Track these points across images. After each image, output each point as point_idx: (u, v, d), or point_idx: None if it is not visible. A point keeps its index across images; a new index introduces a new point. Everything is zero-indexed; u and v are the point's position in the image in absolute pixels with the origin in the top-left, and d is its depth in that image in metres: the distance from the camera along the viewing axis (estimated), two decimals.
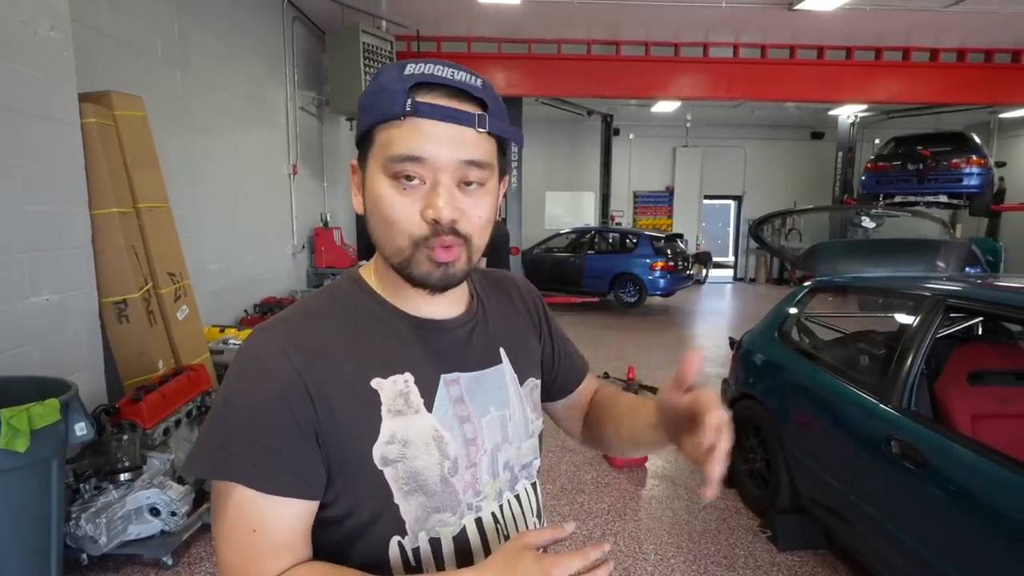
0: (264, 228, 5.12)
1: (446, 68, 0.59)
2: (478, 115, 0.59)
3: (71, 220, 2.49)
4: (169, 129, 3.49)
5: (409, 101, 0.56)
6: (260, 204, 5.03)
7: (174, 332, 2.99)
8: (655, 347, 6.46)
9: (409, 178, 0.58)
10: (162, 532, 2.29)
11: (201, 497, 2.49)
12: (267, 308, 4.56)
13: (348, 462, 0.59)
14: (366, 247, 8.14)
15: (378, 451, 0.60)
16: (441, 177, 0.58)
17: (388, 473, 0.60)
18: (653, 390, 4.66)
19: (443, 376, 0.65)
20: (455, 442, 0.64)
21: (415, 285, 0.62)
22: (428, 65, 0.59)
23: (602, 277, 8.70)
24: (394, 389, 0.62)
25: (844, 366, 2.46)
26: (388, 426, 0.60)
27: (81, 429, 1.93)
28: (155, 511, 2.27)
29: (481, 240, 0.62)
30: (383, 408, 0.61)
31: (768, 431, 2.71)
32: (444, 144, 0.57)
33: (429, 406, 0.63)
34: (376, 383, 0.61)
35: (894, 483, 1.90)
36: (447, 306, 0.69)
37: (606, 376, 5.14)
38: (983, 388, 2.08)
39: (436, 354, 0.66)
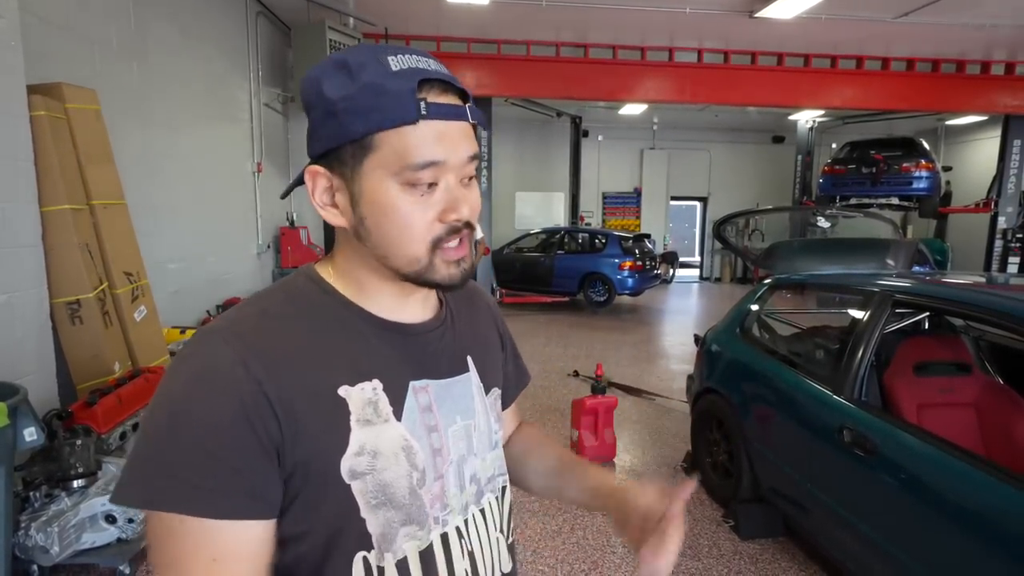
0: (227, 227, 4.99)
1: (425, 59, 0.57)
2: (468, 107, 0.58)
3: (19, 217, 2.39)
4: (125, 124, 3.37)
5: (423, 104, 0.54)
6: (223, 202, 4.90)
7: (131, 333, 2.89)
8: (624, 345, 6.56)
9: (432, 185, 0.56)
10: (119, 540, 2.21)
11: None
12: None
13: (313, 477, 0.55)
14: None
15: (346, 464, 0.56)
16: (451, 177, 0.57)
17: (356, 487, 0.56)
18: (622, 387, 4.74)
19: (412, 383, 0.62)
20: (423, 452, 0.61)
21: (434, 287, 0.61)
22: (410, 57, 0.56)
23: (572, 277, 8.77)
24: (362, 397, 0.58)
25: (800, 360, 2.56)
26: (357, 437, 0.56)
27: (31, 434, 1.86)
28: (111, 518, 2.19)
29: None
30: (352, 418, 0.57)
31: (730, 424, 2.79)
32: (457, 144, 0.56)
33: (398, 414, 0.60)
34: (344, 391, 0.57)
35: (846, 471, 1.99)
36: (417, 310, 0.66)
37: (576, 374, 5.19)
38: (928, 379, 2.19)
39: (405, 359, 0.62)
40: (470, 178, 0.59)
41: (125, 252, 2.97)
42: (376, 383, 0.59)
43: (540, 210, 12.28)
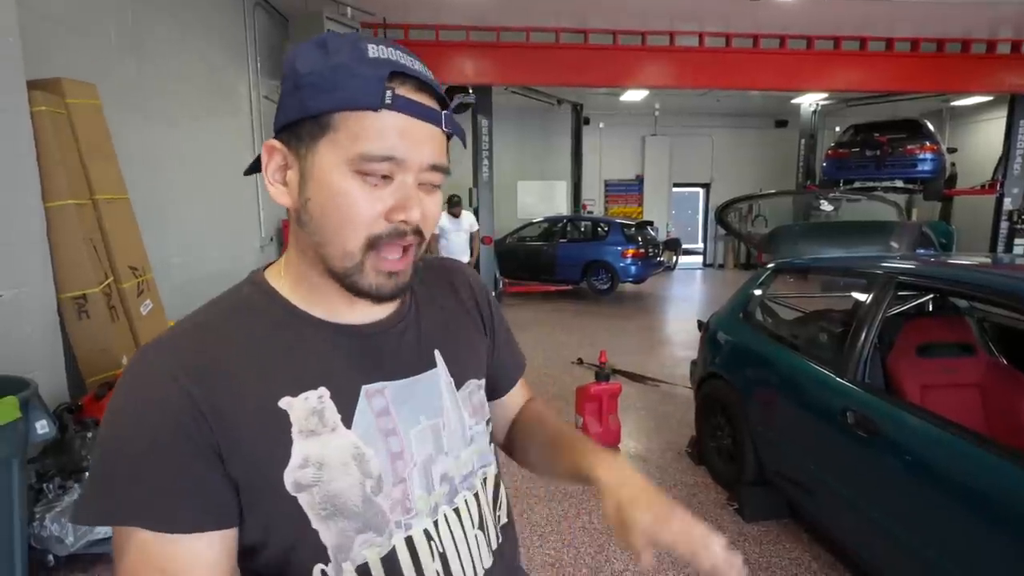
0: (230, 220, 5.00)
1: (407, 56, 0.55)
2: (444, 114, 0.56)
3: (23, 213, 2.40)
4: (125, 118, 3.37)
5: (389, 93, 0.52)
6: (225, 195, 4.91)
7: (137, 327, 2.92)
8: (627, 332, 6.57)
9: (386, 177, 0.54)
10: None
11: None
12: None
13: (256, 490, 0.54)
14: None
15: (290, 477, 0.54)
16: (408, 178, 0.55)
17: (303, 499, 0.55)
18: (626, 374, 4.75)
19: (364, 387, 0.60)
20: (378, 458, 0.59)
21: (357, 295, 0.57)
22: (391, 50, 0.55)
23: (575, 265, 8.77)
24: (306, 407, 0.56)
25: (804, 343, 2.56)
26: (300, 449, 0.55)
27: (42, 427, 1.88)
28: None
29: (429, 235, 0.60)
30: (294, 430, 0.55)
31: (734, 408, 2.80)
32: (421, 145, 0.54)
33: (348, 422, 0.58)
34: (285, 402, 0.55)
35: (849, 452, 2.00)
36: (372, 308, 0.62)
37: (580, 362, 5.21)
38: (931, 360, 2.20)
39: (357, 363, 0.60)
40: (434, 185, 0.58)
41: (129, 247, 2.98)
42: (322, 391, 0.57)
43: (542, 199, 12.24)
